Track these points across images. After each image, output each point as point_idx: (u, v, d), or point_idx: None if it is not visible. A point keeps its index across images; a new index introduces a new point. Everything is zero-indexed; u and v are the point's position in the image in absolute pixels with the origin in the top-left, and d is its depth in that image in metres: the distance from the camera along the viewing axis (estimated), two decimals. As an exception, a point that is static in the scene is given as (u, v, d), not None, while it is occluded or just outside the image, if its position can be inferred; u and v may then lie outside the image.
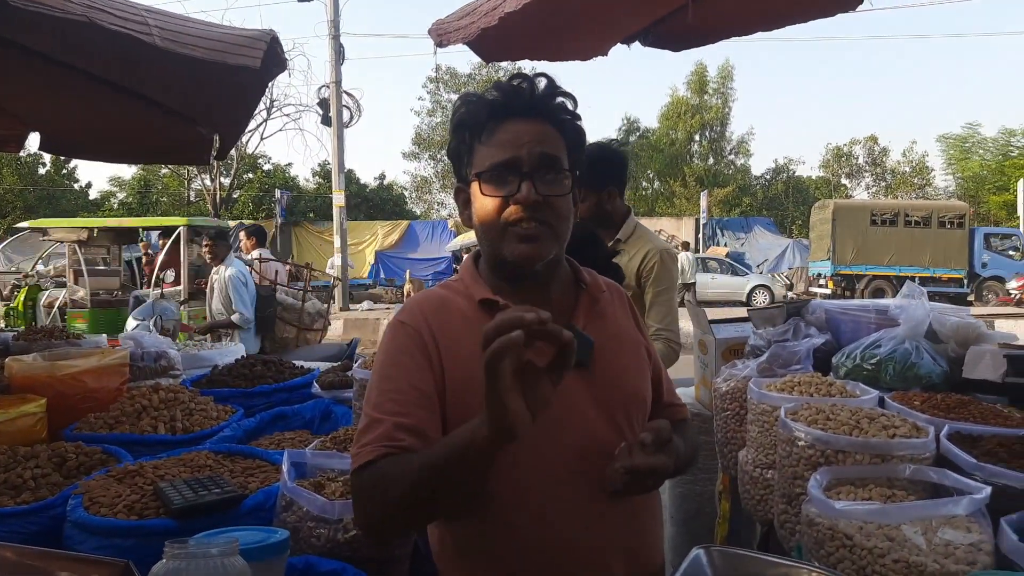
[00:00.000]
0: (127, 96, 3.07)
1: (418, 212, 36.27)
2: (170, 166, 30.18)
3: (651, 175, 37.53)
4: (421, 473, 1.12)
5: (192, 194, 33.88)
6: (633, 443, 1.22)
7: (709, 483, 3.17)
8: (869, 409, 1.90)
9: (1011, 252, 20.34)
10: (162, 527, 1.64)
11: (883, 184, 37.07)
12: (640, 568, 1.33)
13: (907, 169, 36.59)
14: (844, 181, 37.82)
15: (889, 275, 19.86)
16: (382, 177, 36.03)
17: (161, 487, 1.78)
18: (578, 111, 1.36)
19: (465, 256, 1.53)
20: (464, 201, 1.39)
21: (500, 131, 1.30)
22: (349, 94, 16.41)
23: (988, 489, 1.47)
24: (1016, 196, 22.24)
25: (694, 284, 18.57)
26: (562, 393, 1.32)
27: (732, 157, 37.72)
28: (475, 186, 1.32)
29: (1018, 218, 22.02)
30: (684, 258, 17.68)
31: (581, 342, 1.36)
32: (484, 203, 1.30)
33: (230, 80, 2.70)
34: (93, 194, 34.73)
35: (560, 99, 1.34)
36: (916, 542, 1.38)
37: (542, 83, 1.33)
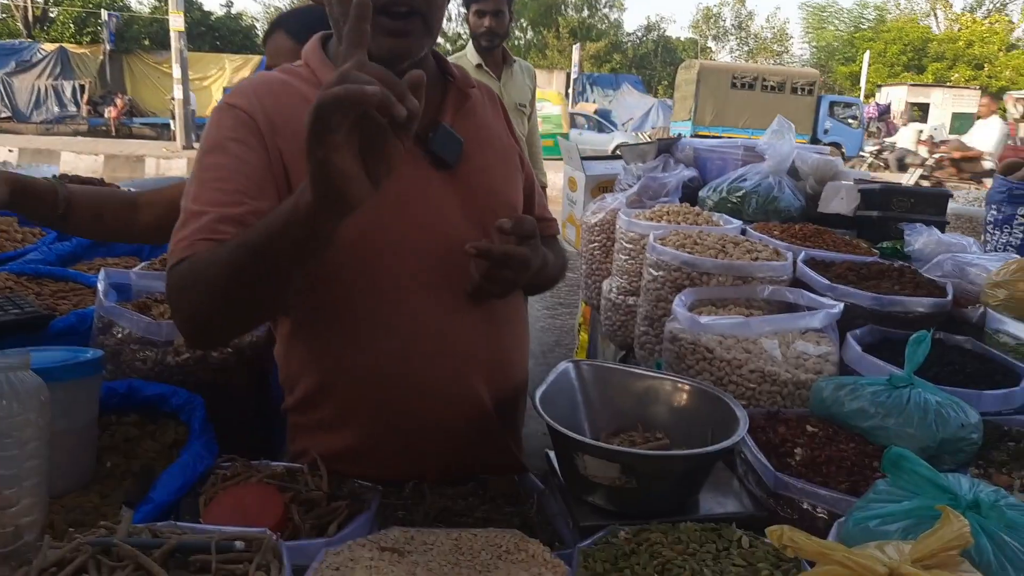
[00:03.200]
0: None
1: (272, 47, 33.15)
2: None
3: (524, 24, 36.23)
4: (238, 252, 0.91)
5: (-3, 8, 28.91)
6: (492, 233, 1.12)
7: (569, 317, 3.23)
8: (734, 236, 1.90)
9: (850, 120, 21.78)
10: (-54, 353, 1.38)
11: (746, 48, 38.06)
12: (502, 381, 1.26)
13: (769, 35, 37.64)
14: (711, 44, 38.44)
15: (743, 137, 20.79)
16: (229, 4, 32.40)
17: (-56, 310, 1.49)
18: None
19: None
20: None
21: None
22: None
23: (841, 304, 1.52)
24: (860, 68, 23.55)
25: None
26: (426, 194, 1.18)
27: (606, 11, 37.02)
28: None
29: (859, 89, 23.47)
30: None
31: (449, 141, 1.20)
32: None
33: None
34: None
35: None
36: (773, 354, 1.41)
37: None
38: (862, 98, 22.75)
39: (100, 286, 1.53)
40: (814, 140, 21.32)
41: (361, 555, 0.93)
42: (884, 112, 24.43)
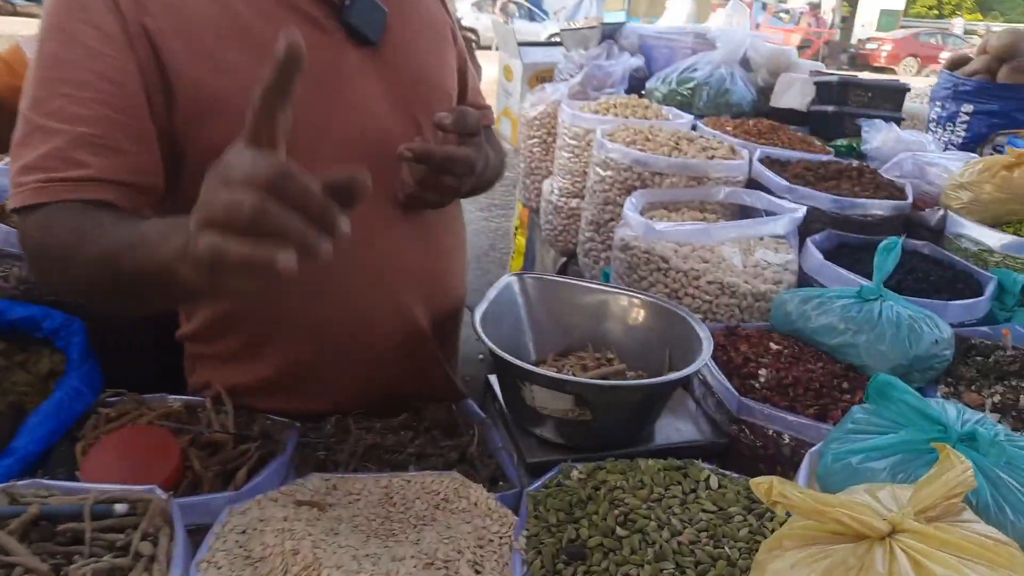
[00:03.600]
0: None
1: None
2: None
3: (451, -102, 33.79)
4: (103, 269, 0.73)
5: None
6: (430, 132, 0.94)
7: (505, 219, 3.07)
8: (687, 131, 1.75)
9: (782, 15, 21.56)
10: None
11: (681, -65, 36.76)
12: (439, 299, 1.10)
13: (705, -79, 36.39)
14: (646, -72, 36.93)
15: (677, 31, 20.39)
16: None
17: None
18: None
19: None
20: None
21: None
22: None
23: (804, 208, 1.40)
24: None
25: None
26: (342, 76, 0.96)
27: None
28: None
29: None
30: None
31: (369, 10, 0.99)
32: None
33: None
34: None
35: None
36: (733, 262, 1.29)
37: None
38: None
39: (-54, 187, 1.26)
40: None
41: (272, 513, 0.79)
42: (816, 7, 24.25)
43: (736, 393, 1.01)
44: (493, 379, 1.12)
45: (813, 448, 0.90)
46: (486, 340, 0.94)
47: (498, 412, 1.09)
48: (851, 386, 1.04)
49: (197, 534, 0.79)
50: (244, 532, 0.77)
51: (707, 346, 1.00)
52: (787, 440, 0.99)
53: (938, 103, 2.84)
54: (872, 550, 0.61)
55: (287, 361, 1.03)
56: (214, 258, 0.53)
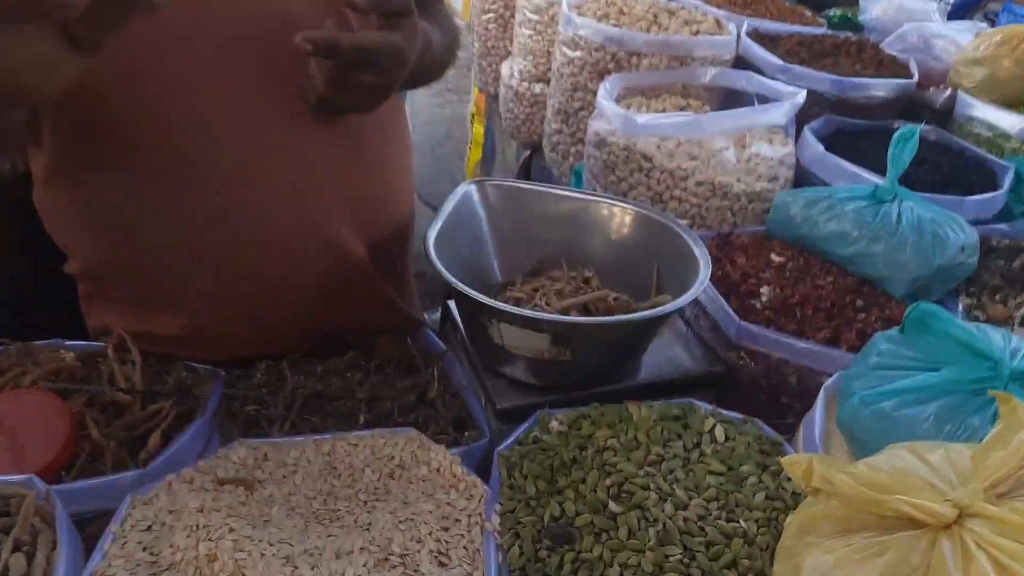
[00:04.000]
0: None
1: None
2: None
3: None
4: None
5: None
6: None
7: (460, 105, 2.81)
8: (666, 3, 1.52)
9: None
10: None
11: None
12: (375, 220, 0.92)
13: None
14: None
15: None
16: None
17: None
18: None
19: None
20: None
21: None
22: None
23: (803, 92, 1.22)
24: None
25: None
26: None
27: None
28: None
29: None
30: None
31: None
32: None
33: None
34: None
35: None
36: (726, 158, 1.12)
37: None
38: None
39: None
40: None
41: (187, 501, 0.64)
42: None
43: (735, 316, 0.87)
44: (453, 305, 0.97)
45: (828, 382, 0.77)
46: (443, 271, 0.77)
47: (460, 343, 0.94)
48: (866, 303, 0.90)
49: (100, 520, 0.65)
50: (149, 529, 0.62)
51: (704, 264, 0.85)
52: (794, 369, 0.86)
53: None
54: (938, 543, 0.49)
55: (193, 314, 0.85)
56: None
